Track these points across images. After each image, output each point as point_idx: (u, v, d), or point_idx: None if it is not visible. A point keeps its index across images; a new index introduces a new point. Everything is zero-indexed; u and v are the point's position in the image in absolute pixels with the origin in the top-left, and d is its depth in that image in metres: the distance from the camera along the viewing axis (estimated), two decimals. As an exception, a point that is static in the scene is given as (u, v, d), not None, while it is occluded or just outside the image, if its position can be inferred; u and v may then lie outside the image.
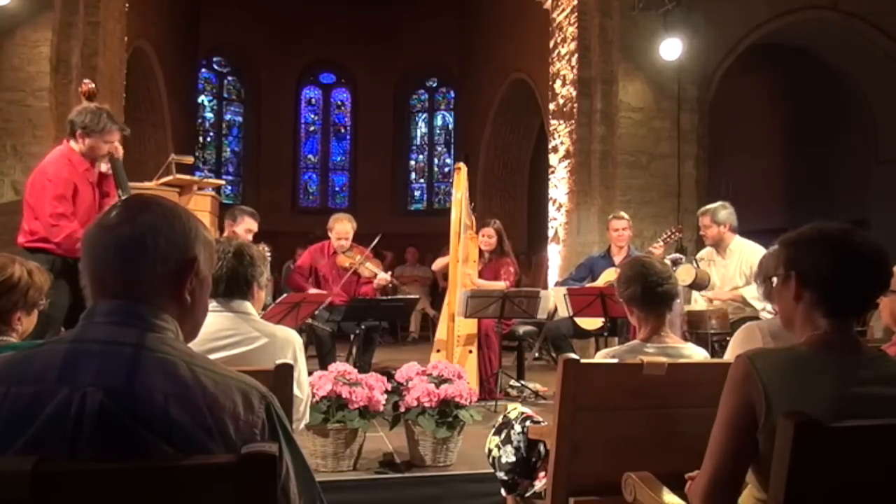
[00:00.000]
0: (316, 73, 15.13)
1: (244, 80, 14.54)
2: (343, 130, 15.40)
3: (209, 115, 14.24)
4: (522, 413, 2.54)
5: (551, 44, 8.08)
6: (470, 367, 4.98)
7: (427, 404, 3.32)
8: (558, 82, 7.87)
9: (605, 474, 1.90)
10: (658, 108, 7.14)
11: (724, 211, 4.82)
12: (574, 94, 7.37)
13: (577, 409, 2.00)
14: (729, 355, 2.41)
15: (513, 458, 2.42)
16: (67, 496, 0.95)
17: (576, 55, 7.37)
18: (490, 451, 2.53)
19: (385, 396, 3.36)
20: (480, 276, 5.44)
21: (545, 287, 6.85)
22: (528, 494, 2.41)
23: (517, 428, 2.46)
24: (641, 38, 7.04)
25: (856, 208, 8.50)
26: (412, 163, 15.32)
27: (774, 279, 1.53)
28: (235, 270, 2.16)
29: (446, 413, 3.35)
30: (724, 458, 1.42)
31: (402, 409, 3.41)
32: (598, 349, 4.70)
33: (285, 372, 1.72)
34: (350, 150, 15.27)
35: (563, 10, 7.76)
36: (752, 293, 4.48)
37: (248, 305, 2.20)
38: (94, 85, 4.15)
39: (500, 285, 5.27)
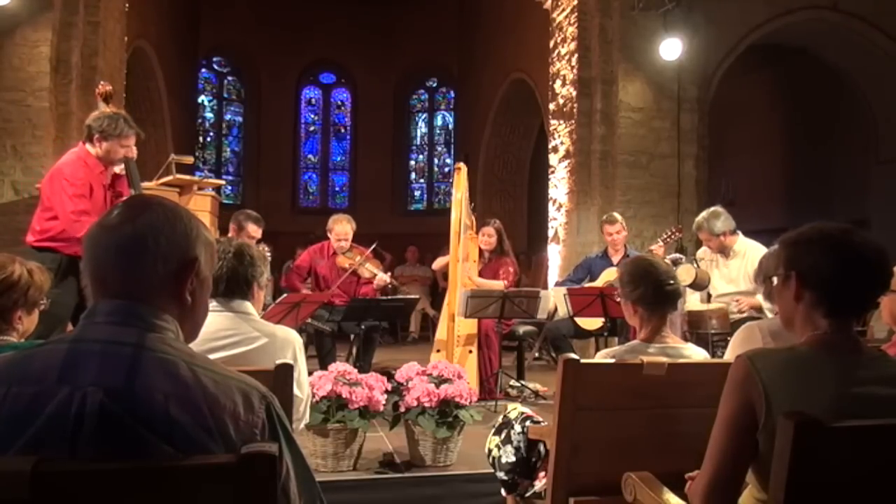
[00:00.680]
0: (316, 73, 15.13)
1: (244, 80, 14.53)
2: (343, 130, 15.40)
3: (209, 115, 14.24)
4: (522, 413, 2.54)
5: (551, 44, 8.08)
6: (470, 367, 4.98)
7: (427, 404, 3.32)
8: (558, 82, 7.87)
9: (605, 474, 1.90)
10: (658, 108, 7.14)
11: (718, 220, 4.72)
12: (574, 94, 7.37)
13: (577, 409, 2.00)
14: (729, 355, 2.41)
15: (513, 458, 2.42)
16: (67, 496, 0.95)
17: (576, 55, 7.37)
18: (490, 451, 2.53)
19: (385, 396, 3.36)
20: (480, 275, 5.44)
21: (545, 287, 6.86)
22: (528, 494, 2.41)
23: (517, 428, 2.46)
24: (641, 38, 7.04)
25: (856, 208, 8.51)
26: (412, 163, 15.32)
27: (774, 279, 1.53)
28: (235, 270, 2.16)
29: (446, 413, 3.35)
30: (725, 458, 1.41)
31: (402, 409, 3.41)
32: (598, 349, 4.70)
33: (285, 372, 1.72)
34: (350, 150, 15.26)
35: (563, 9, 7.77)
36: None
37: (248, 305, 2.20)
38: (111, 87, 4.19)
39: (499, 284, 5.27)
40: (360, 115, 15.01)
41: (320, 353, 5.10)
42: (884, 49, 7.75)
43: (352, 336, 5.07)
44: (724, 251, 4.80)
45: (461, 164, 5.52)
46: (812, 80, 9.08)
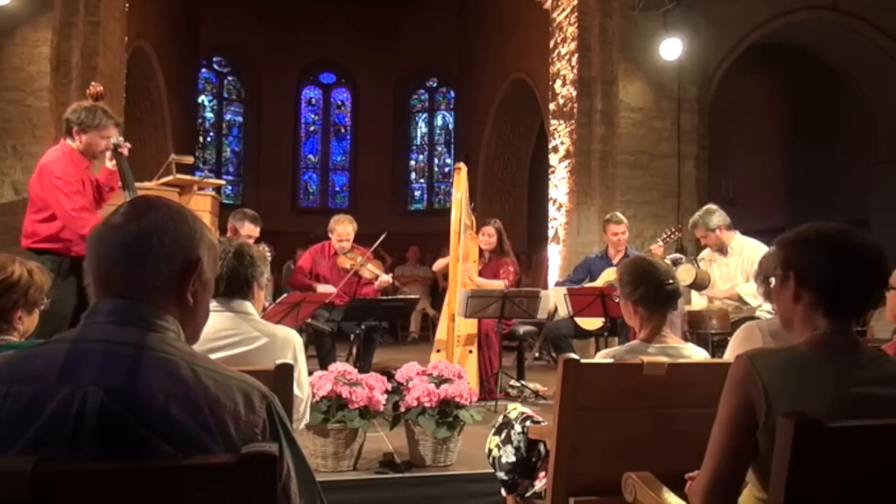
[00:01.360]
0: (316, 73, 15.13)
1: (244, 80, 14.54)
2: (343, 130, 15.41)
3: (209, 115, 14.24)
4: (522, 413, 2.54)
5: (551, 44, 8.08)
6: (470, 367, 4.97)
7: (427, 404, 3.32)
8: (558, 82, 7.87)
9: (606, 474, 1.90)
10: (658, 108, 7.14)
11: (712, 215, 4.79)
12: (574, 94, 7.37)
13: (578, 409, 2.00)
14: (729, 355, 2.41)
15: (513, 458, 2.42)
16: (68, 496, 0.95)
17: (576, 55, 7.37)
18: (490, 450, 2.53)
19: (385, 396, 3.36)
20: (480, 275, 5.44)
21: (545, 287, 6.86)
22: (528, 494, 2.41)
23: (517, 428, 2.46)
24: (641, 38, 7.05)
25: (856, 208, 8.51)
26: (412, 163, 15.32)
27: (773, 279, 1.53)
28: (236, 270, 2.16)
29: (446, 413, 3.35)
30: (724, 457, 1.42)
31: (403, 409, 3.41)
32: (598, 349, 4.70)
33: (285, 372, 1.72)
34: (350, 149, 15.27)
35: (564, 10, 7.77)
36: (748, 290, 4.47)
37: (248, 305, 2.20)
38: (101, 88, 4.15)
39: (499, 284, 5.27)
40: (361, 115, 15.02)
41: (320, 353, 5.10)
42: (884, 49, 7.76)
43: (352, 336, 5.07)
44: (722, 248, 4.82)
45: (461, 164, 5.52)
46: (812, 79, 9.08)
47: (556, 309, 5.31)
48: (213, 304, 2.06)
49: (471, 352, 5.18)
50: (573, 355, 2.04)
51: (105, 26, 6.42)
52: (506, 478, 2.45)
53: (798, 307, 1.46)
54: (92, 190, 3.80)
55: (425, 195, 15.18)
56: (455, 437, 3.43)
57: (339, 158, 15.35)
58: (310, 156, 15.26)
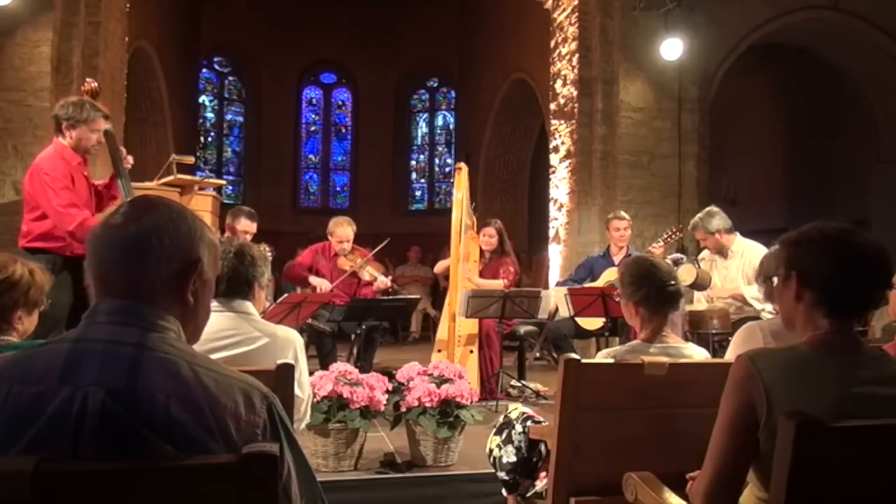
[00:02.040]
0: (317, 73, 15.14)
1: (245, 81, 14.54)
2: (344, 130, 15.41)
3: (210, 115, 14.25)
4: (523, 413, 2.54)
5: (552, 44, 8.08)
6: (471, 367, 4.97)
7: (428, 404, 3.32)
8: (559, 82, 7.87)
9: (606, 474, 1.90)
10: (659, 108, 7.14)
11: (713, 218, 4.77)
12: (575, 93, 7.37)
13: (578, 409, 2.00)
14: (730, 355, 2.40)
15: (514, 458, 2.42)
16: (68, 496, 0.95)
17: (577, 55, 7.37)
18: (491, 451, 2.53)
19: (386, 396, 3.36)
20: (481, 275, 5.44)
21: (546, 287, 6.85)
22: (529, 494, 2.41)
23: (518, 428, 2.46)
24: (642, 38, 7.04)
25: (857, 208, 8.51)
26: (413, 163, 15.32)
27: (775, 279, 1.52)
28: (237, 270, 2.17)
29: (447, 413, 3.35)
30: (725, 457, 1.41)
31: (403, 409, 3.41)
32: (598, 349, 4.70)
33: (286, 372, 1.72)
34: (351, 150, 15.27)
35: (564, 9, 7.76)
36: (752, 293, 4.47)
37: (249, 305, 2.20)
38: (96, 84, 4.14)
39: (498, 284, 5.27)
40: (361, 115, 15.02)
41: (321, 353, 5.09)
42: (884, 49, 7.75)
43: (353, 336, 5.07)
44: (722, 251, 4.81)
45: (462, 164, 5.52)
46: (813, 79, 9.08)
47: (556, 309, 5.30)
48: (214, 304, 2.06)
49: (472, 352, 5.18)
50: (574, 355, 2.04)
51: (106, 26, 6.42)
52: (507, 478, 2.45)
53: (800, 307, 1.46)
54: (87, 188, 3.79)
55: (426, 195, 15.18)
56: (456, 437, 3.43)
57: (339, 158, 15.36)
58: (310, 156, 15.26)
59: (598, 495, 1.99)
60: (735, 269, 4.76)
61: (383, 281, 5.42)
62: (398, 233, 11.01)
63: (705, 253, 5.04)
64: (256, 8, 13.38)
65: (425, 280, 10.24)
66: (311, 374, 2.80)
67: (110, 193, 3.89)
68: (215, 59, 14.10)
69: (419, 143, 15.36)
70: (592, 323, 5.09)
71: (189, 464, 0.98)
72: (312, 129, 15.33)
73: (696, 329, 4.50)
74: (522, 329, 5.55)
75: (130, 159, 3.95)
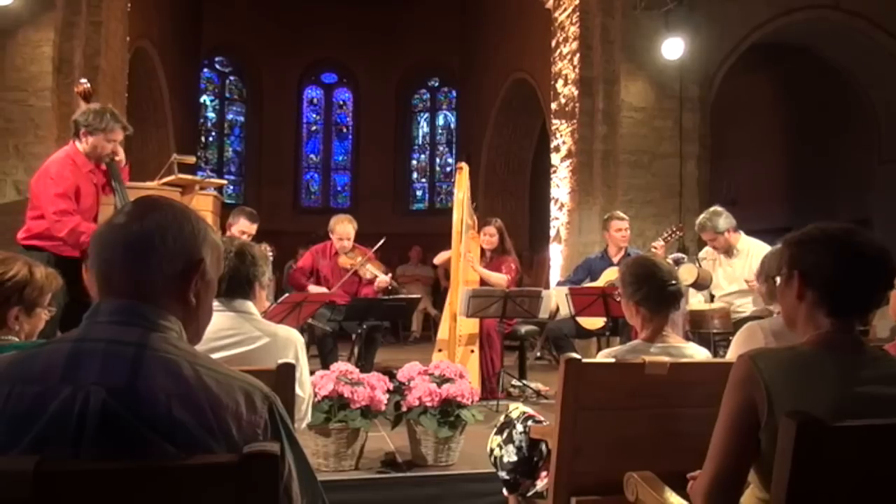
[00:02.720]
0: (318, 72, 15.13)
1: (246, 80, 14.54)
2: (345, 130, 15.41)
3: (211, 114, 14.25)
4: (524, 412, 2.54)
5: (553, 43, 8.08)
6: (472, 367, 4.97)
7: (429, 404, 3.32)
8: (560, 82, 7.87)
9: (607, 474, 1.90)
10: (660, 108, 7.14)
11: (720, 218, 4.76)
12: (576, 93, 7.37)
13: (579, 409, 2.00)
14: (731, 355, 2.40)
15: (514, 458, 2.42)
16: (69, 496, 0.95)
17: (577, 55, 7.36)
18: (492, 450, 2.53)
19: (387, 396, 3.36)
20: (482, 275, 5.44)
21: (547, 287, 6.85)
22: (529, 494, 2.41)
23: (519, 427, 2.46)
24: (643, 38, 7.04)
25: (858, 208, 8.50)
26: (414, 162, 15.31)
27: (777, 278, 1.52)
28: (237, 270, 2.16)
29: (448, 413, 3.34)
30: (726, 457, 1.41)
31: (404, 409, 3.41)
32: (599, 349, 4.70)
33: (287, 371, 1.72)
34: (352, 149, 15.27)
35: (565, 9, 7.76)
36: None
37: (249, 305, 2.20)
38: (89, 84, 4.16)
39: (502, 277, 5.27)
40: (362, 115, 15.02)
41: (322, 352, 5.09)
42: (886, 48, 7.75)
43: (353, 336, 5.07)
44: (729, 250, 4.81)
45: (463, 164, 5.52)
46: (814, 79, 9.07)
47: (557, 308, 5.30)
48: (215, 304, 2.04)
49: (472, 351, 5.18)
50: (575, 355, 2.04)
51: (107, 26, 6.43)
52: (507, 477, 2.45)
53: (802, 306, 1.46)
54: (94, 194, 3.82)
55: (427, 195, 15.17)
56: (457, 437, 3.43)
57: (340, 158, 15.36)
58: (311, 155, 15.26)
59: (599, 495, 1.99)
60: (740, 268, 4.75)
61: (384, 279, 5.41)
62: (399, 232, 11.02)
63: (706, 252, 5.03)
64: (257, 8, 13.38)
65: (426, 280, 10.24)
66: (312, 373, 2.80)
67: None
68: (216, 59, 14.11)
69: (420, 142, 15.36)
70: (593, 322, 5.09)
71: (189, 463, 0.98)
72: (313, 128, 15.33)
73: (698, 329, 4.50)
74: (523, 329, 5.55)
75: (121, 154, 3.95)
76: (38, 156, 5.77)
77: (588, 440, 2.01)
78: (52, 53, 5.96)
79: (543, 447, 2.37)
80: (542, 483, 2.34)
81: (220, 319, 2.05)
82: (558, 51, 7.95)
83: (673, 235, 5.37)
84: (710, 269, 4.84)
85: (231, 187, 13.98)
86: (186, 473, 0.98)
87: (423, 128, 15.31)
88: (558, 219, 7.80)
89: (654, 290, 2.22)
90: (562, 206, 7.72)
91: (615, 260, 5.30)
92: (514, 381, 5.42)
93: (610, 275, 5.05)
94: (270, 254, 4.33)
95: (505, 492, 2.52)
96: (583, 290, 4.86)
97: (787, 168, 10.17)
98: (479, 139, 12.19)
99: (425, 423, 3.32)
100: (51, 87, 5.95)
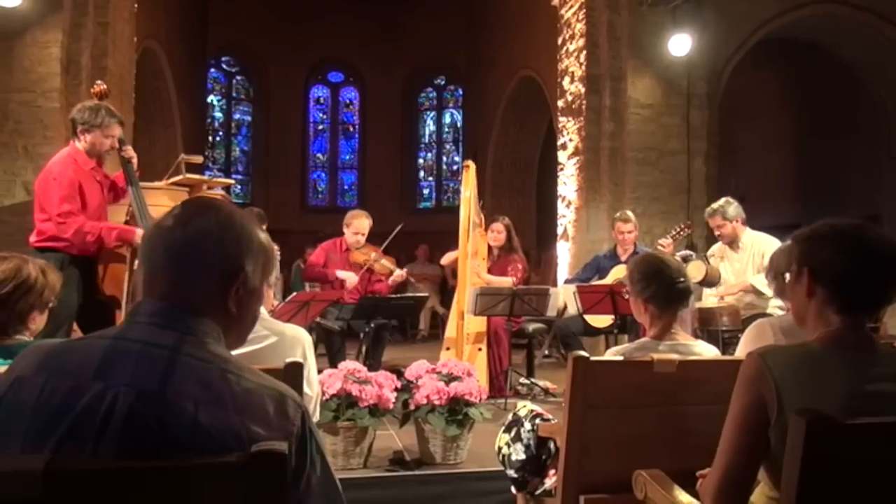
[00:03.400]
0: (324, 71, 15.15)
1: (253, 80, 14.58)
2: (351, 129, 15.42)
3: (218, 114, 14.29)
4: (532, 411, 2.53)
5: (559, 40, 8.06)
6: (480, 365, 4.97)
7: (437, 402, 3.32)
8: (567, 79, 7.85)
9: (616, 472, 1.90)
10: (667, 105, 7.11)
11: (731, 206, 4.81)
12: (583, 90, 7.35)
13: (588, 407, 1.99)
14: (740, 352, 2.39)
15: (523, 456, 2.42)
16: (80, 495, 0.95)
17: (584, 52, 7.34)
18: (500, 448, 2.53)
19: (395, 394, 3.36)
20: (489, 272, 5.43)
21: (554, 285, 6.84)
22: (538, 492, 2.40)
23: (527, 426, 2.46)
24: (650, 34, 7.01)
25: (868, 204, 8.45)
26: (421, 161, 15.32)
27: (787, 275, 1.51)
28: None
29: (456, 411, 3.35)
30: (736, 455, 1.41)
31: (412, 407, 3.41)
32: (608, 346, 4.68)
33: (295, 370, 1.72)
34: (358, 148, 15.28)
35: (571, 6, 7.74)
36: (762, 280, 4.45)
37: (257, 304, 2.20)
38: (105, 86, 4.18)
39: (507, 281, 5.26)
40: (369, 114, 15.03)
41: (330, 351, 5.10)
42: (896, 43, 7.69)
43: (361, 334, 5.07)
44: (734, 241, 4.82)
45: (469, 162, 5.52)
46: (823, 75, 9.01)
47: (565, 306, 5.29)
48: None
49: (480, 349, 5.17)
50: (583, 353, 2.03)
51: (114, 27, 6.45)
52: (516, 476, 2.44)
53: (811, 303, 1.45)
54: (99, 192, 3.83)
55: (434, 193, 15.18)
56: (465, 435, 3.43)
57: (347, 157, 15.37)
58: (318, 154, 15.29)
59: (607, 493, 1.99)
60: (746, 262, 4.77)
61: (399, 273, 5.39)
62: (406, 231, 11.00)
63: (715, 249, 5.02)
64: (264, 7, 13.40)
65: (434, 278, 10.25)
66: (320, 372, 2.80)
67: (123, 186, 3.94)
68: (223, 59, 14.15)
69: (427, 141, 15.36)
70: (601, 320, 5.08)
71: (198, 463, 0.98)
72: (320, 127, 15.35)
73: (707, 326, 4.48)
74: (531, 327, 5.54)
75: (131, 151, 3.96)
76: (47, 156, 5.77)
77: (596, 438, 2.00)
78: (59, 54, 5.99)
79: (552, 445, 2.37)
80: (550, 481, 2.34)
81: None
82: (565, 48, 7.93)
83: (681, 233, 5.35)
84: (718, 265, 4.83)
85: (238, 187, 14.03)
86: (195, 472, 0.98)
87: (430, 126, 15.31)
88: (566, 216, 7.79)
89: (662, 288, 2.21)
90: (569, 203, 7.71)
91: (624, 258, 5.29)
92: (522, 380, 5.41)
93: (618, 272, 5.04)
94: (277, 253, 4.33)
95: (513, 490, 2.52)
96: (591, 288, 4.85)
97: (797, 164, 10.12)
98: (485, 137, 12.17)
99: (433, 421, 3.32)
100: (59, 88, 5.97)
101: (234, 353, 1.14)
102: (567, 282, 5.92)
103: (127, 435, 0.98)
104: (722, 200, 4.89)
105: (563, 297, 5.17)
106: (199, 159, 5.30)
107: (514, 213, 10.02)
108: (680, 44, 6.77)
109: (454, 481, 3.30)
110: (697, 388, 2.01)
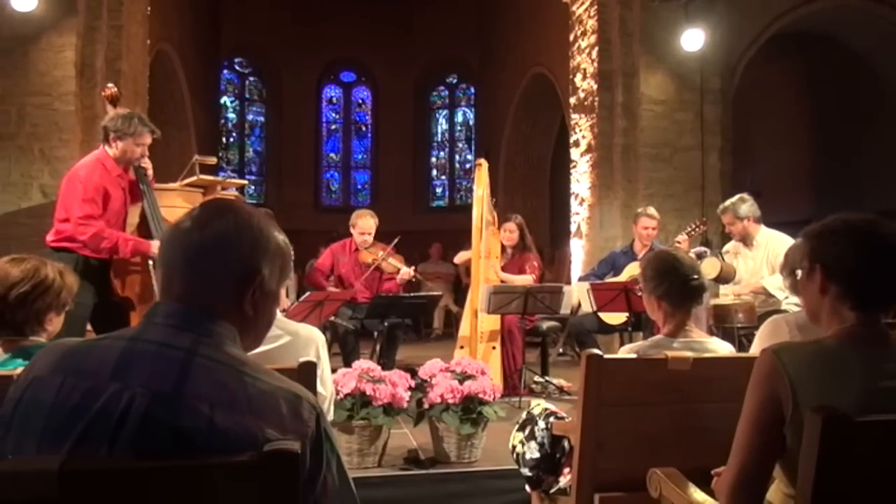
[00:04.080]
0: (336, 71, 15.19)
1: (265, 81, 14.64)
2: (364, 128, 15.45)
3: (232, 115, 14.36)
4: (546, 409, 2.53)
5: (571, 37, 8.03)
6: (493, 364, 4.97)
7: (451, 401, 3.32)
8: (579, 76, 7.82)
9: (630, 470, 1.89)
10: (680, 100, 7.06)
11: (744, 204, 4.76)
12: (595, 87, 7.31)
13: (602, 405, 1.99)
14: (755, 349, 2.37)
15: (537, 455, 2.42)
16: (94, 495, 0.96)
17: (596, 48, 7.31)
18: (514, 447, 2.53)
19: (409, 393, 3.37)
20: (504, 271, 5.43)
21: (568, 282, 6.82)
22: (552, 491, 2.40)
23: (541, 424, 2.45)
24: (662, 30, 6.97)
25: (884, 199, 8.34)
26: (433, 159, 15.32)
27: (799, 272, 1.50)
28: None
29: (470, 409, 3.35)
30: (751, 453, 1.40)
31: (426, 406, 3.42)
32: (622, 344, 4.67)
33: (308, 370, 1.73)
34: (371, 147, 15.31)
35: (583, 2, 7.71)
36: (775, 283, 4.42)
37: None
38: (116, 89, 4.22)
39: (527, 279, 5.25)
40: (381, 113, 15.05)
41: (344, 350, 5.12)
42: (912, 35, 7.59)
43: (375, 333, 5.09)
44: (747, 239, 4.78)
45: (482, 160, 5.51)
46: (839, 68, 8.91)
47: (579, 304, 5.28)
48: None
49: (494, 348, 5.17)
50: (597, 351, 2.03)
51: (128, 30, 6.49)
52: (530, 474, 2.44)
53: (825, 300, 1.44)
54: (123, 199, 3.87)
55: (447, 192, 15.18)
56: (479, 434, 3.43)
57: (360, 156, 15.41)
58: (331, 154, 15.33)
59: (622, 491, 1.98)
60: (760, 260, 4.73)
61: (407, 272, 5.40)
62: (420, 230, 11.04)
63: (730, 246, 4.99)
64: (276, 8, 13.45)
65: (447, 276, 10.25)
66: (334, 371, 2.81)
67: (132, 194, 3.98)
68: (236, 60, 14.22)
69: (439, 139, 15.36)
70: (615, 318, 5.06)
71: (211, 462, 0.99)
72: (333, 127, 15.39)
73: (722, 323, 4.45)
74: (545, 325, 5.53)
75: (148, 162, 4.00)
76: (63, 159, 5.86)
77: (611, 436, 2.00)
78: (74, 58, 6.04)
79: (566, 444, 2.36)
80: (564, 479, 2.33)
81: (241, 319, 2.07)
82: (576, 45, 7.89)
83: (696, 230, 5.33)
84: (732, 262, 4.80)
85: (252, 187, 14.09)
86: (208, 472, 0.99)
87: (442, 125, 15.30)
88: (579, 214, 7.76)
89: (675, 285, 2.20)
90: (582, 201, 7.68)
91: (639, 255, 5.27)
92: (537, 378, 5.40)
93: (633, 269, 5.02)
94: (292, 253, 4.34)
95: (528, 488, 2.52)
96: (604, 286, 4.83)
97: (812, 159, 10.02)
98: (498, 135, 12.15)
99: (447, 420, 3.33)
100: (74, 91, 6.03)
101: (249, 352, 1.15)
102: (581, 278, 5.90)
103: (142, 436, 0.98)
104: (735, 198, 4.85)
105: (577, 294, 5.16)
106: (212, 160, 5.32)
107: (527, 211, 10.00)
108: (693, 39, 6.72)
109: (469, 480, 3.30)
110: (712, 386, 2.00)
